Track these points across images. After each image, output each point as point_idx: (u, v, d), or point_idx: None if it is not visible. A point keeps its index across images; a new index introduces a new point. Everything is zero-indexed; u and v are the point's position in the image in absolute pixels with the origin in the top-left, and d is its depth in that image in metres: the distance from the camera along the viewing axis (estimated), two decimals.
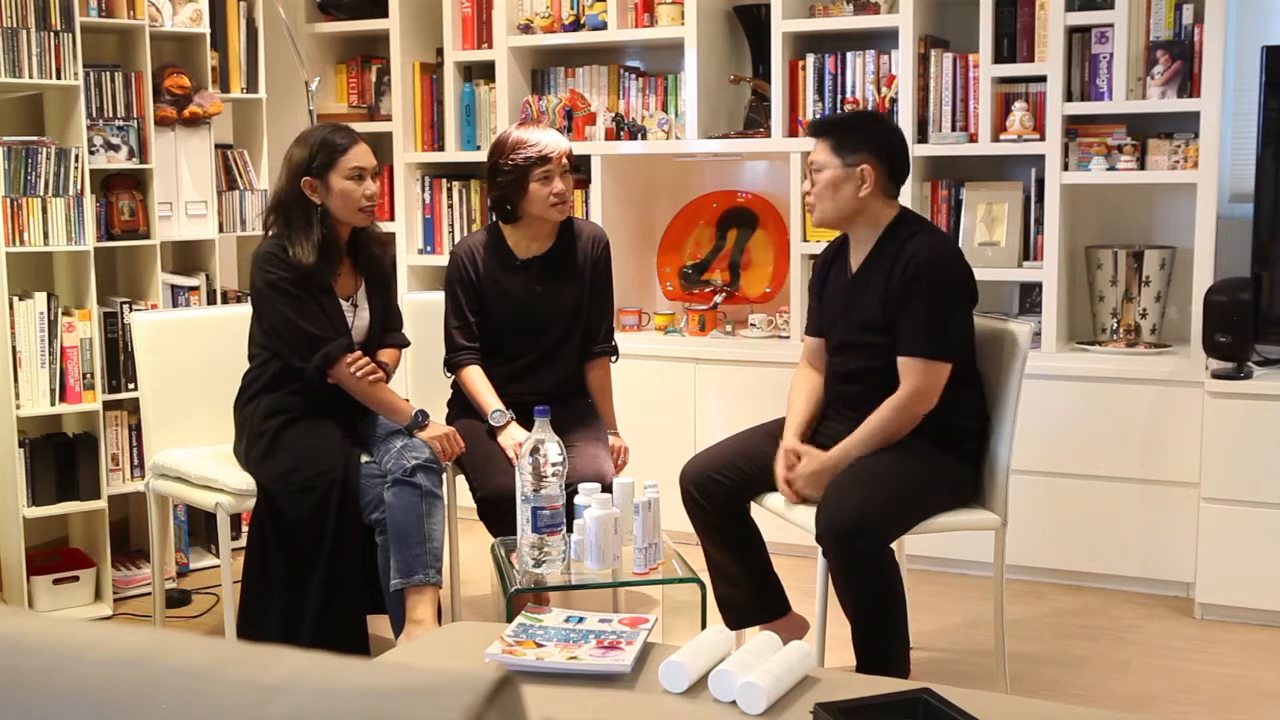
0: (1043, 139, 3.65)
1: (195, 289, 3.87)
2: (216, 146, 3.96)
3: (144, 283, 3.78)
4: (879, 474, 2.68)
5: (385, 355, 3.19)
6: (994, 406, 2.85)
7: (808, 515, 2.69)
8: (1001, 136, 3.72)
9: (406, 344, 3.31)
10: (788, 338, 4.02)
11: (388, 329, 3.24)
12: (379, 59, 4.61)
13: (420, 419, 3.05)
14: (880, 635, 2.64)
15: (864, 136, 2.81)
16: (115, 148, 3.65)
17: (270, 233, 3.06)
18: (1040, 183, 3.73)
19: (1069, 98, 3.64)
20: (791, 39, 3.98)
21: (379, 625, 3.06)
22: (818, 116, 3.04)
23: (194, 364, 3.32)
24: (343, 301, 3.09)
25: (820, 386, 2.96)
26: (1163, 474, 3.49)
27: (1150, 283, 3.69)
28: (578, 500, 2.65)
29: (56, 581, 3.54)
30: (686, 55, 4.06)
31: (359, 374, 3.01)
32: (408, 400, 3.17)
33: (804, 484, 2.76)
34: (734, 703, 1.91)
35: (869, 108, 3.89)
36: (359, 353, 3.05)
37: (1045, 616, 3.46)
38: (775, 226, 4.23)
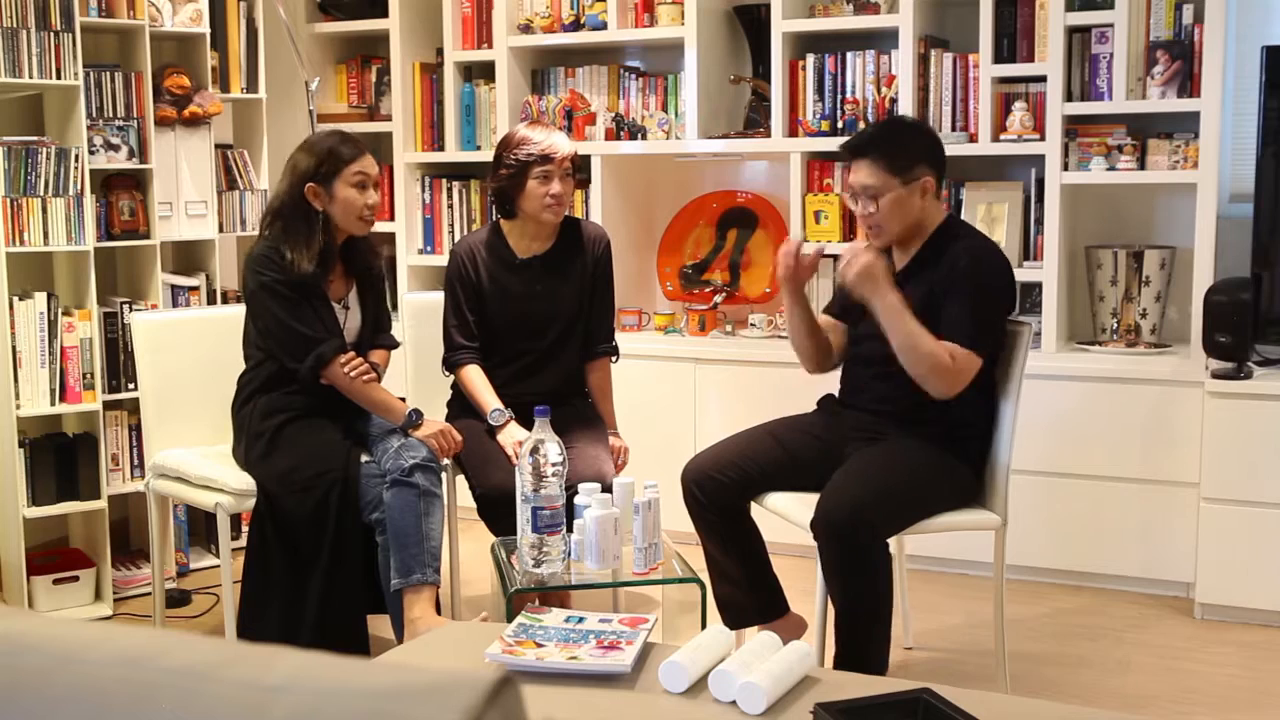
0: (1043, 139, 3.65)
1: (195, 289, 3.87)
2: (216, 146, 3.96)
3: (144, 283, 3.78)
4: (880, 468, 2.68)
5: (376, 356, 3.19)
6: (994, 406, 2.85)
7: (807, 514, 2.69)
8: (1001, 136, 3.72)
9: (396, 345, 3.32)
10: (788, 338, 4.01)
11: (378, 330, 3.24)
12: (379, 59, 4.61)
13: (414, 418, 3.05)
14: (861, 630, 2.63)
15: (916, 148, 2.74)
16: (115, 148, 3.65)
17: (265, 235, 3.06)
18: (1040, 183, 3.73)
19: (1069, 98, 3.65)
20: (791, 39, 3.98)
21: (379, 625, 3.06)
22: (856, 136, 2.85)
23: (194, 364, 3.32)
24: (334, 304, 3.10)
25: (827, 340, 2.96)
26: (1163, 474, 3.49)
27: (1150, 283, 3.69)
28: (578, 500, 2.65)
29: (56, 581, 3.54)
30: (686, 55, 4.06)
31: (352, 374, 3.01)
32: (403, 399, 3.17)
33: (857, 269, 2.65)
34: (734, 703, 1.91)
35: (869, 108, 3.89)
36: (352, 353, 3.05)
37: (1045, 616, 3.46)
38: (775, 226, 4.23)
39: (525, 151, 3.14)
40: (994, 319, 2.76)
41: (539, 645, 2.16)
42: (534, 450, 2.56)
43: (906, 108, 3.79)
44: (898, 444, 2.74)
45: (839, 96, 3.95)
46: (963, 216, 3.83)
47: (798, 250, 2.82)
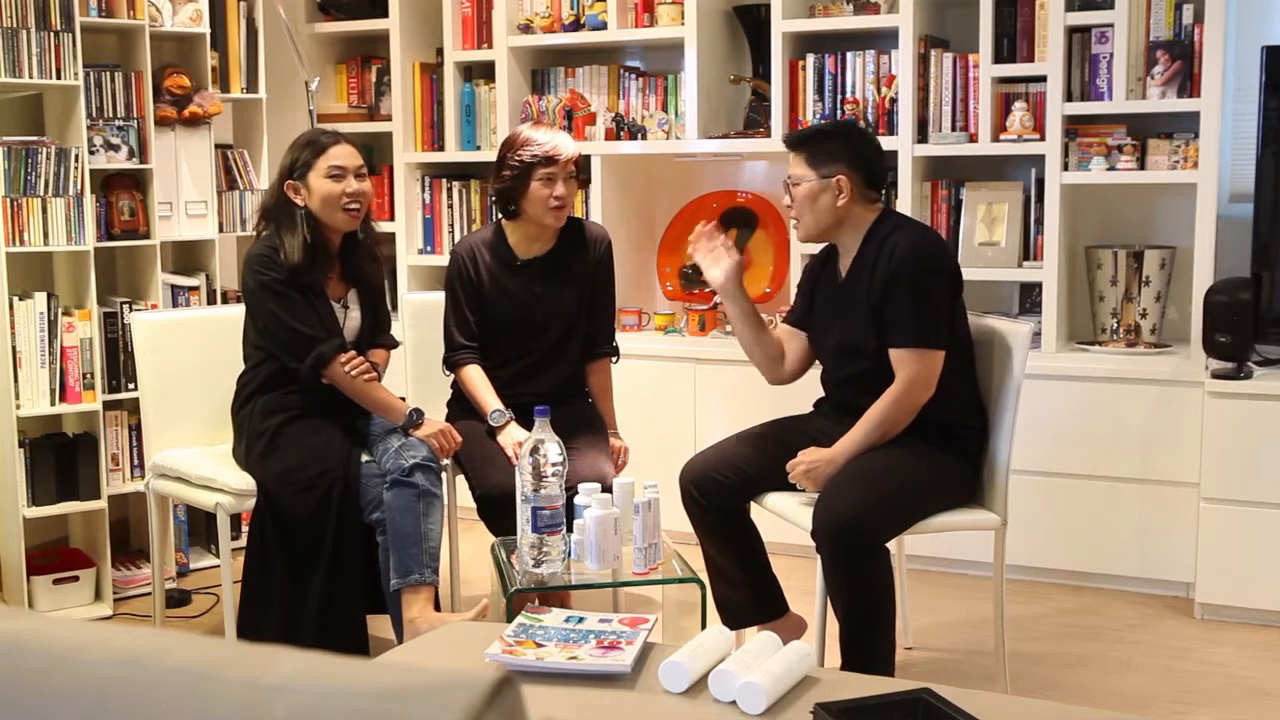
0: (1043, 139, 3.65)
1: (195, 289, 3.87)
2: (216, 146, 3.96)
3: (144, 283, 3.78)
4: (878, 472, 2.68)
5: (375, 355, 3.19)
6: (994, 406, 2.85)
7: (807, 515, 2.69)
8: (1001, 136, 3.72)
9: (396, 344, 3.32)
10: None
11: (378, 330, 3.24)
12: (379, 59, 4.61)
13: (415, 417, 3.05)
14: (866, 634, 2.63)
15: (837, 146, 2.81)
16: (115, 148, 3.65)
17: (262, 235, 3.07)
18: (1040, 183, 3.73)
19: (1069, 98, 3.65)
20: (791, 39, 3.98)
21: (379, 625, 3.06)
22: (791, 131, 3.10)
23: (194, 364, 3.32)
24: (334, 303, 3.10)
25: (778, 345, 3.03)
26: (1163, 474, 3.49)
27: (1150, 283, 3.69)
28: (578, 500, 2.65)
29: (56, 581, 3.54)
30: (686, 55, 4.06)
31: (353, 373, 3.01)
32: (403, 399, 3.17)
33: (804, 478, 2.75)
34: (734, 703, 1.91)
35: (869, 108, 3.90)
36: (353, 352, 3.05)
37: (1045, 616, 3.46)
38: (775, 226, 4.24)
39: (530, 152, 3.12)
40: (937, 310, 2.74)
41: (539, 645, 2.16)
42: (534, 450, 2.56)
43: (906, 108, 3.79)
44: (894, 446, 2.74)
45: (839, 96, 3.95)
46: (963, 216, 3.83)
47: (708, 235, 2.93)
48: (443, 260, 4.30)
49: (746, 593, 2.95)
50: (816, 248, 3.95)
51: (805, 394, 3.11)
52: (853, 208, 2.81)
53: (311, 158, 3.02)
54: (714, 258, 2.94)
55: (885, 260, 2.74)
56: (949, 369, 2.76)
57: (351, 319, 3.14)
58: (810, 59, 3.97)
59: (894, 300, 2.72)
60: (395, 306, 4.12)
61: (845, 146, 2.82)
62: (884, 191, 2.99)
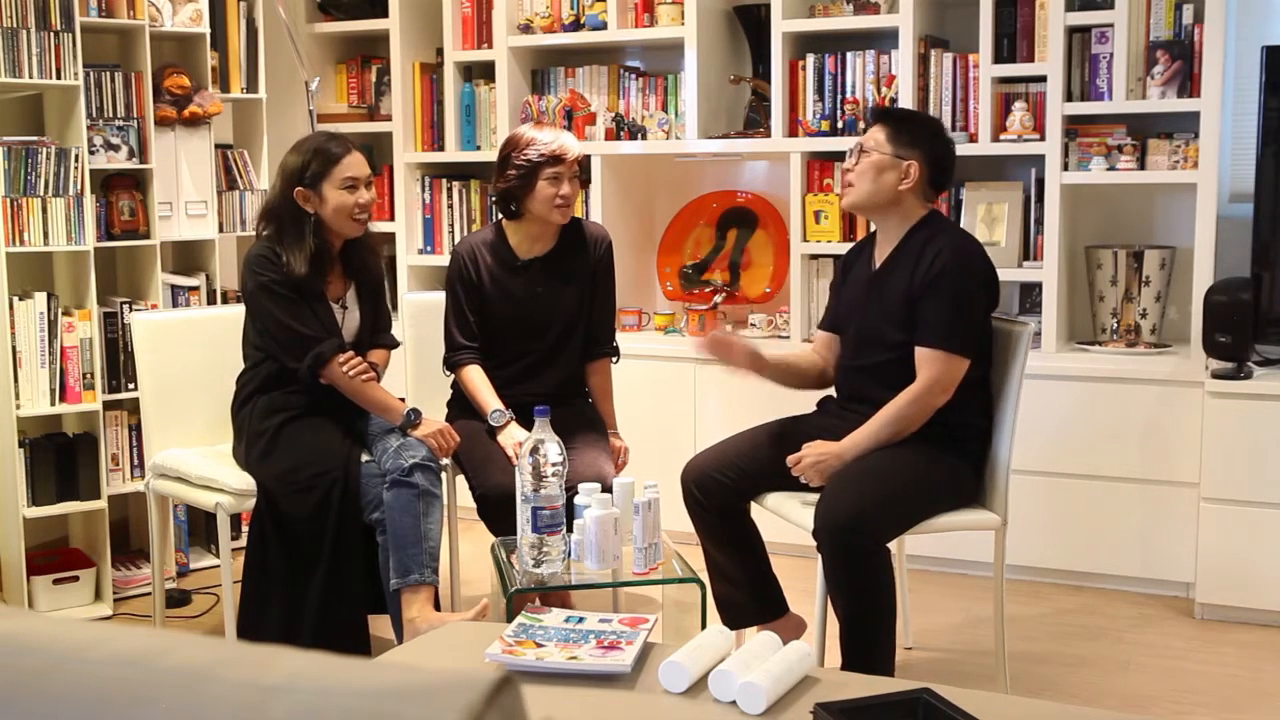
0: (1043, 139, 3.65)
1: (195, 289, 3.87)
2: (216, 146, 3.96)
3: (144, 283, 3.78)
4: (880, 472, 2.68)
5: (375, 356, 3.19)
6: (994, 406, 2.85)
7: (807, 514, 2.69)
8: (1001, 136, 3.72)
9: (396, 345, 3.32)
10: (788, 338, 4.02)
11: (377, 330, 3.24)
12: (379, 59, 4.61)
13: (413, 417, 3.05)
14: (867, 634, 2.63)
15: (921, 134, 2.85)
16: (115, 148, 3.65)
17: (263, 236, 3.07)
18: (1040, 183, 3.73)
19: (1069, 98, 3.65)
20: (791, 39, 3.98)
21: (379, 625, 3.06)
22: (881, 104, 3.43)
23: (194, 364, 3.32)
24: (332, 303, 3.10)
25: (815, 366, 3.03)
26: (1163, 474, 3.49)
27: (1150, 283, 3.69)
28: (578, 500, 2.65)
29: (56, 581, 3.54)
30: (686, 55, 4.06)
31: (351, 373, 3.01)
32: (402, 399, 3.17)
33: (810, 472, 2.75)
34: (734, 703, 1.91)
35: (869, 108, 3.90)
36: (351, 352, 3.05)
37: (1045, 616, 3.46)
38: (775, 226, 4.23)
39: (536, 151, 3.12)
40: (972, 320, 2.77)
41: (539, 645, 2.16)
42: (534, 450, 2.56)
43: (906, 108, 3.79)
44: (897, 446, 2.74)
45: (839, 96, 3.95)
46: (963, 216, 3.83)
47: (717, 343, 2.94)
48: (443, 260, 4.30)
49: (746, 593, 2.95)
50: (820, 249, 3.96)
51: (806, 394, 3.10)
52: (910, 196, 2.83)
53: (324, 167, 3.01)
54: (726, 360, 2.94)
55: (929, 260, 2.75)
56: (967, 372, 2.76)
57: (350, 319, 3.14)
58: (810, 59, 3.97)
59: (932, 301, 2.73)
60: (395, 306, 4.12)
61: (928, 139, 2.85)
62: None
